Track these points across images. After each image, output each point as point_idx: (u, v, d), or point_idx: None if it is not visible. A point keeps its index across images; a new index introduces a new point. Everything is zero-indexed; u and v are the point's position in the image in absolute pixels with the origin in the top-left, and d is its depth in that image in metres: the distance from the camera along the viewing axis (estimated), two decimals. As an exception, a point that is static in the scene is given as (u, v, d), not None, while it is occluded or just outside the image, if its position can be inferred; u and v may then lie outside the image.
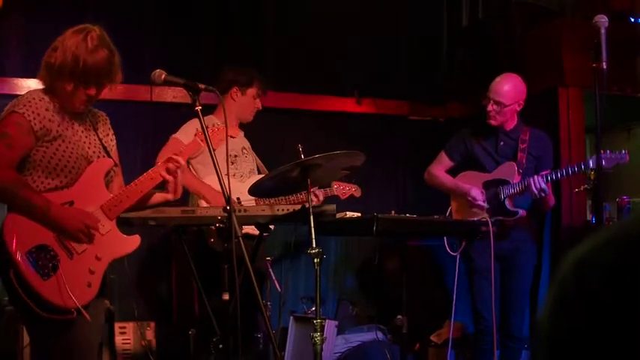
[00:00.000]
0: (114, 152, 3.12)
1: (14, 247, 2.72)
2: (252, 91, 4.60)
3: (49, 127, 2.86)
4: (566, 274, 0.80)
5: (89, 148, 2.98)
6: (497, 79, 4.53)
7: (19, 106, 2.85)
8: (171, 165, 3.04)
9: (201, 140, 3.17)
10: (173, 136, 4.34)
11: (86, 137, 3.00)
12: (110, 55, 2.90)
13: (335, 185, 4.76)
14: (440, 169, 4.77)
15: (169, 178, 3.05)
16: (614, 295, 0.75)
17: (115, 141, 3.18)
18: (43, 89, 2.96)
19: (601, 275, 0.77)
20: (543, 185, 4.25)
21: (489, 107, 4.48)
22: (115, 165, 3.08)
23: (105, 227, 2.93)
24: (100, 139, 3.06)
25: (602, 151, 4.02)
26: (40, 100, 2.88)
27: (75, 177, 2.90)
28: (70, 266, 2.80)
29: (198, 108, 2.99)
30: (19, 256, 2.71)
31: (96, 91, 2.92)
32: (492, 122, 4.51)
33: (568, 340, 0.78)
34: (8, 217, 2.78)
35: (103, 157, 3.03)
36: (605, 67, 3.46)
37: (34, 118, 2.83)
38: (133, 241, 3.04)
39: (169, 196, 3.12)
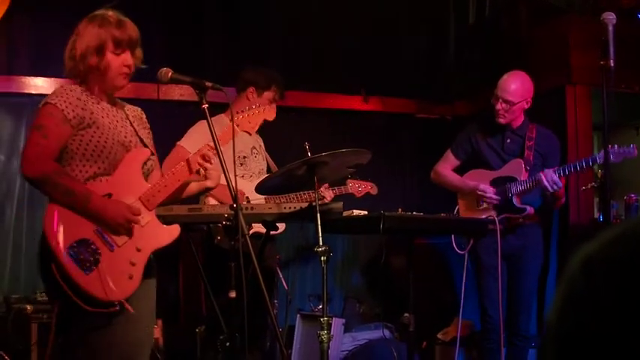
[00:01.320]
0: (151, 145, 3.11)
1: (56, 242, 2.71)
2: (268, 95, 4.54)
3: (82, 115, 2.85)
4: (574, 271, 0.80)
5: (125, 136, 2.96)
6: (505, 77, 4.51)
7: (52, 97, 2.86)
8: (207, 152, 3.02)
9: (237, 125, 3.18)
10: (178, 143, 4.31)
11: (122, 126, 2.98)
12: (134, 25, 2.97)
13: (350, 183, 4.74)
14: (446, 167, 4.77)
15: (207, 165, 3.02)
16: (622, 292, 0.75)
17: (151, 135, 3.17)
18: (75, 82, 2.97)
19: (609, 272, 0.77)
20: (555, 178, 4.24)
21: (498, 106, 4.46)
22: (152, 154, 3.06)
23: (144, 218, 2.90)
24: (136, 131, 3.05)
25: (609, 145, 4.00)
26: (71, 90, 2.88)
27: (112, 163, 2.88)
28: (112, 259, 2.79)
29: (205, 106, 2.97)
30: (61, 252, 2.70)
31: (132, 57, 2.95)
32: (501, 120, 4.49)
33: (576, 337, 0.78)
34: (49, 209, 2.77)
35: (139, 146, 3.02)
36: (612, 64, 3.45)
37: (67, 107, 2.83)
38: (173, 231, 2.99)
39: (208, 183, 3.09)
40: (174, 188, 3.00)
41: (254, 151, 4.57)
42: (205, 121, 2.97)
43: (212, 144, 2.98)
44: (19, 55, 5.46)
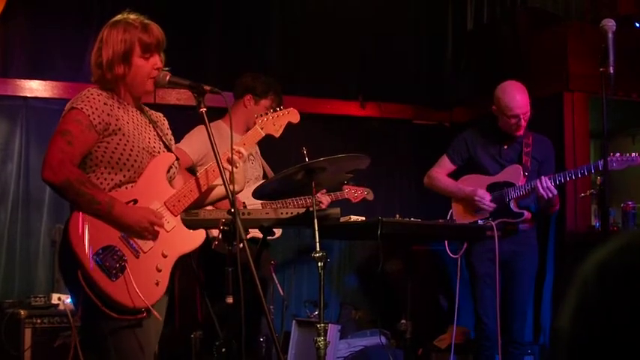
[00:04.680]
0: (174, 150, 3.11)
1: (81, 249, 2.68)
2: (265, 102, 4.50)
3: (108, 121, 2.82)
4: (586, 279, 0.79)
5: (149, 142, 2.95)
6: (508, 95, 4.41)
7: (78, 102, 2.81)
8: (232, 156, 3.00)
9: (262, 128, 3.22)
10: (177, 146, 4.28)
11: (146, 132, 2.97)
12: (159, 26, 2.98)
13: (346, 189, 4.72)
14: (441, 172, 4.73)
15: (230, 169, 3.00)
16: (636, 299, 0.74)
17: (173, 141, 3.17)
18: (100, 87, 2.93)
19: (622, 280, 0.76)
20: (550, 185, 4.23)
21: (521, 123, 4.40)
22: (177, 159, 3.05)
23: (170, 224, 2.88)
24: (160, 136, 3.04)
25: (611, 154, 3.99)
26: (98, 95, 2.84)
27: (138, 170, 2.86)
28: (138, 265, 2.77)
29: (203, 110, 2.94)
30: (86, 259, 2.67)
31: (159, 60, 2.94)
32: (521, 132, 4.46)
33: (590, 344, 0.77)
34: (73, 216, 2.74)
35: (164, 152, 3.00)
36: (612, 71, 3.45)
37: (93, 113, 2.79)
38: (199, 236, 2.98)
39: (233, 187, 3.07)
40: (200, 193, 3.00)
41: (251, 157, 4.55)
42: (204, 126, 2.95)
43: (236, 148, 3.00)
44: (14, 58, 5.43)
